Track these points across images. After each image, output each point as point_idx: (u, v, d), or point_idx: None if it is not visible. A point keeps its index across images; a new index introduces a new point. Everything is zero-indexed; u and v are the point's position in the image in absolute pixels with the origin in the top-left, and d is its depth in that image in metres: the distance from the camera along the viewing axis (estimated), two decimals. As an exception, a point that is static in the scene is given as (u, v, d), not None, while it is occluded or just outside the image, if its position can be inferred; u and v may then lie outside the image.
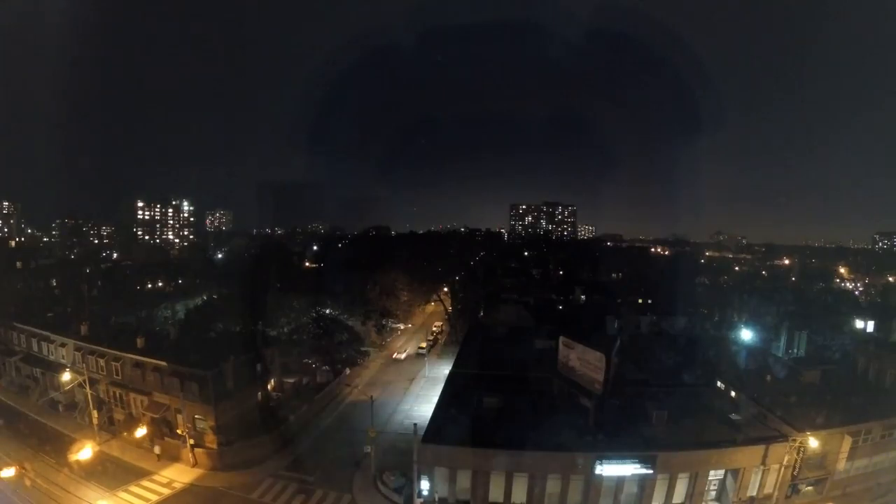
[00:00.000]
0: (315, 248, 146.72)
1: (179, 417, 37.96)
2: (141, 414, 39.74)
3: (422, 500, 29.84)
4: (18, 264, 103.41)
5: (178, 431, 37.45)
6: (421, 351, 64.07)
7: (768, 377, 39.27)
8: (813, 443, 29.72)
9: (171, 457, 36.42)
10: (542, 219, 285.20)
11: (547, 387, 36.42)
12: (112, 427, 40.88)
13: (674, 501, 29.69)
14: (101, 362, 42.48)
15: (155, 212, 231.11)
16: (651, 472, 28.62)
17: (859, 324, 59.20)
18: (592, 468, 28.37)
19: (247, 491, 32.82)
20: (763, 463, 29.48)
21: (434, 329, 77.21)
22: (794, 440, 29.48)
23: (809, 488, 31.65)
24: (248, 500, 32.07)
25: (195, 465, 35.59)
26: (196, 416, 37.14)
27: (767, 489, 30.51)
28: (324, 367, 51.99)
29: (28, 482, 31.90)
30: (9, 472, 31.22)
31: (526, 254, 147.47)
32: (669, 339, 52.25)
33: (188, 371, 37.49)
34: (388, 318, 69.55)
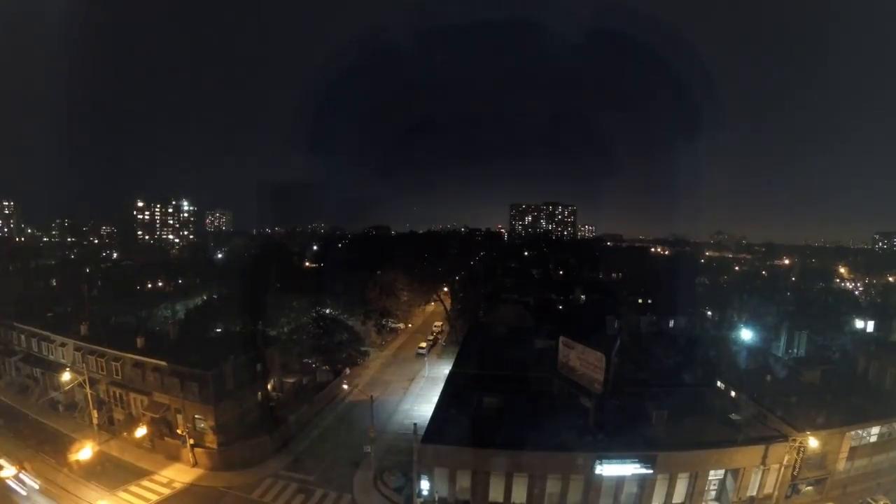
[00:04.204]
0: (315, 248, 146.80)
1: (179, 417, 37.96)
2: (141, 414, 39.71)
3: (422, 500, 29.83)
4: (18, 264, 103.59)
5: (178, 431, 37.45)
6: (421, 351, 64.06)
7: (768, 377, 39.25)
8: (813, 443, 29.73)
9: (171, 456, 36.47)
10: (542, 219, 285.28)
11: (547, 387, 36.40)
12: (112, 427, 40.88)
13: (674, 501, 29.69)
14: (101, 362, 42.46)
15: (155, 212, 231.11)
16: (651, 471, 28.61)
17: (859, 324, 59.23)
18: (592, 468, 28.36)
19: (247, 491, 32.83)
20: (763, 463, 29.48)
21: (434, 329, 77.20)
22: (794, 440, 29.48)
23: (809, 488, 31.66)
24: (248, 500, 32.07)
25: (195, 465, 35.60)
26: (196, 416, 37.13)
27: (767, 489, 30.50)
28: (324, 367, 51.98)
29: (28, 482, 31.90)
30: (9, 471, 31.29)
31: (526, 254, 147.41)
32: (669, 339, 52.21)
33: (188, 371, 37.47)
34: (388, 317, 69.58)
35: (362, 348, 60.45)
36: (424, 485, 29.71)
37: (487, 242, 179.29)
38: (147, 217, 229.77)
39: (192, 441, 35.83)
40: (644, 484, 29.18)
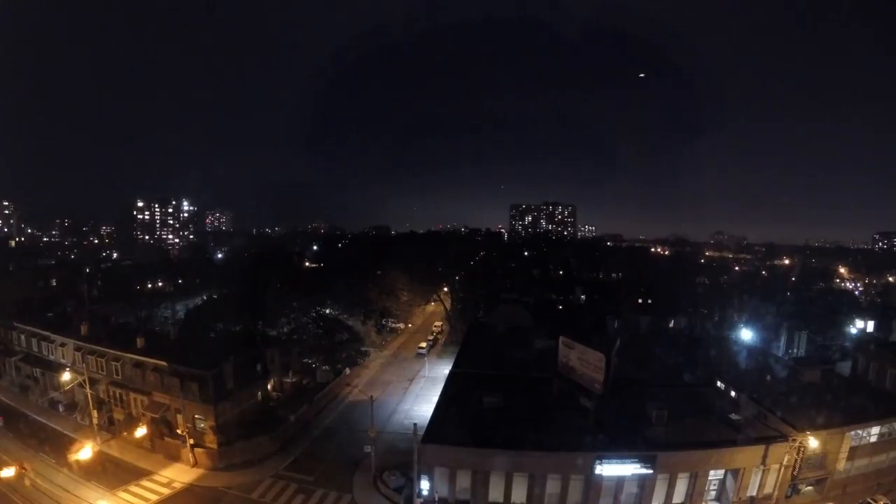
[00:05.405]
0: (315, 248, 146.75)
1: (179, 417, 37.96)
2: (141, 414, 39.73)
3: (422, 500, 29.82)
4: (18, 264, 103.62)
5: (178, 431, 37.45)
6: (421, 351, 64.06)
7: (768, 377, 39.24)
8: (813, 443, 29.70)
9: (171, 456, 36.47)
10: (542, 219, 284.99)
11: (547, 387, 36.40)
12: (112, 427, 40.88)
13: (674, 501, 29.66)
14: (101, 362, 42.48)
15: (155, 212, 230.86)
16: (651, 471, 28.60)
17: (859, 324, 59.13)
18: (592, 468, 28.36)
19: (247, 491, 32.82)
20: (763, 463, 29.46)
21: (434, 329, 77.19)
22: (794, 440, 29.46)
23: (809, 488, 31.65)
24: (248, 500, 32.06)
25: (195, 465, 35.61)
26: (196, 416, 37.15)
27: (767, 489, 30.49)
28: (324, 367, 51.98)
29: (28, 482, 31.89)
30: (9, 472, 31.23)
31: (526, 254, 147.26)
32: (669, 339, 52.19)
33: (188, 371, 37.48)
34: (388, 317, 69.58)
35: (362, 348, 60.44)
36: (424, 485, 29.69)
37: (487, 242, 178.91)
38: (147, 217, 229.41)
39: (192, 441, 35.84)
40: (644, 484, 29.17)
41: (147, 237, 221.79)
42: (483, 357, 44.70)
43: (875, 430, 32.07)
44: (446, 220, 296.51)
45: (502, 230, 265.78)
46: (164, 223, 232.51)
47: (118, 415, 41.57)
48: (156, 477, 34.24)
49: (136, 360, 40.63)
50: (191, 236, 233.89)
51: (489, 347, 47.71)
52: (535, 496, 29.22)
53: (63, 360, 45.71)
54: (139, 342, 41.58)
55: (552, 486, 29.16)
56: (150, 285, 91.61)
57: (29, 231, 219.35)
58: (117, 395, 41.64)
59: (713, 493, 30.64)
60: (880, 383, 37.50)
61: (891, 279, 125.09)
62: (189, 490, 33.03)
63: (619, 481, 29.08)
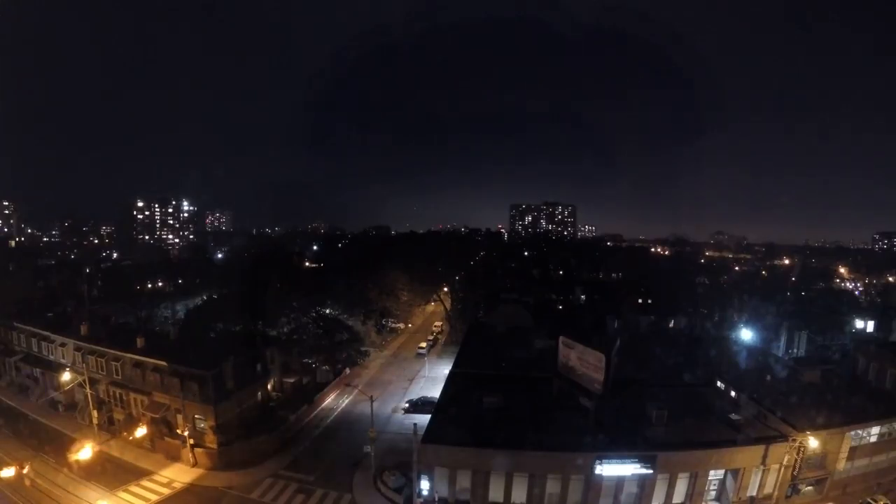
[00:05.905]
0: (315, 248, 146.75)
1: (179, 417, 37.96)
2: (141, 414, 39.72)
3: (422, 500, 29.83)
4: (19, 264, 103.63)
5: (178, 431, 37.45)
6: (421, 351, 64.05)
7: (768, 377, 39.23)
8: (813, 443, 29.68)
9: (171, 456, 36.46)
10: (542, 219, 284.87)
11: (547, 387, 36.41)
12: (112, 427, 40.88)
13: (674, 501, 29.66)
14: (101, 362, 42.47)
15: (155, 212, 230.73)
16: (651, 471, 28.60)
17: (859, 324, 59.14)
18: (592, 468, 28.36)
19: (247, 491, 32.82)
20: (763, 463, 29.46)
21: (434, 329, 77.17)
22: (794, 440, 29.46)
23: (809, 488, 31.63)
24: (248, 500, 32.07)
25: (195, 464, 35.61)
26: (196, 416, 37.14)
27: (767, 489, 30.49)
28: (324, 367, 51.97)
29: (28, 482, 31.90)
30: (9, 472, 31.25)
31: (526, 254, 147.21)
32: (669, 339, 52.19)
33: (188, 371, 37.47)
34: (388, 317, 69.56)
35: (362, 348, 60.36)
36: (424, 485, 29.71)
37: (487, 242, 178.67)
38: (147, 217, 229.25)
39: (192, 441, 35.85)
40: (644, 484, 29.17)
41: (147, 237, 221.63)
42: (483, 357, 44.68)
43: (875, 430, 32.07)
44: (446, 220, 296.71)
45: (502, 230, 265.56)
46: (164, 223, 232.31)
47: (118, 415, 41.56)
48: (156, 477, 34.26)
49: (136, 360, 40.61)
50: (191, 236, 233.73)
51: (489, 347, 47.69)
52: (535, 496, 29.22)
53: (63, 360, 45.71)
54: (139, 342, 41.57)
55: (552, 486, 29.16)
56: (150, 285, 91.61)
57: (29, 231, 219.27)
58: (117, 395, 41.63)
59: (713, 493, 30.64)
60: (880, 383, 37.51)
61: (891, 279, 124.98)
62: (189, 490, 33.04)
63: (619, 481, 29.08)
